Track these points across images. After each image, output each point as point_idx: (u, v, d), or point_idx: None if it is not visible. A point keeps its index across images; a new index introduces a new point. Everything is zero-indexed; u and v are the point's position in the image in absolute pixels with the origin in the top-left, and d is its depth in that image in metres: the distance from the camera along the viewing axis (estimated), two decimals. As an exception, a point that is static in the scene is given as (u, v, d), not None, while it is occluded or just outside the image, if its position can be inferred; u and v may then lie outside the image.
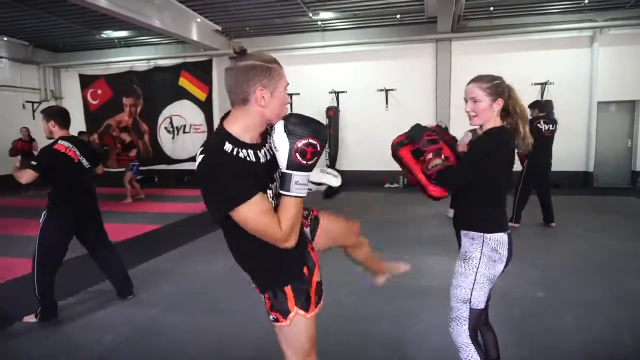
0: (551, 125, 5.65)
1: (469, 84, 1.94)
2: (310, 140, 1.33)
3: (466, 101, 1.94)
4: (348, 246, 2.03)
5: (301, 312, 1.57)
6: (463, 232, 1.93)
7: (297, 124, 1.34)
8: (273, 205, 1.41)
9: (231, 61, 1.39)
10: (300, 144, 1.32)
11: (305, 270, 1.62)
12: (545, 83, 9.05)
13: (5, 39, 10.72)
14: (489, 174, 1.85)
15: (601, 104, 9.16)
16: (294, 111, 1.68)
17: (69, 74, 12.41)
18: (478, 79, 1.92)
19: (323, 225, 1.84)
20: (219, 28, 9.99)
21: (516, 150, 1.95)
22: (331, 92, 10.33)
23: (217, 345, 2.76)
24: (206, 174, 1.33)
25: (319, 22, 9.73)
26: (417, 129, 2.05)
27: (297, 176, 1.35)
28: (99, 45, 11.53)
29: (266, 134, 1.48)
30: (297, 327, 1.57)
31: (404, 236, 5.51)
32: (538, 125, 5.59)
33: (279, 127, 1.35)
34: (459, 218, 2.01)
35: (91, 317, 3.30)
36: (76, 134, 8.22)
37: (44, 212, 3.22)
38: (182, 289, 3.85)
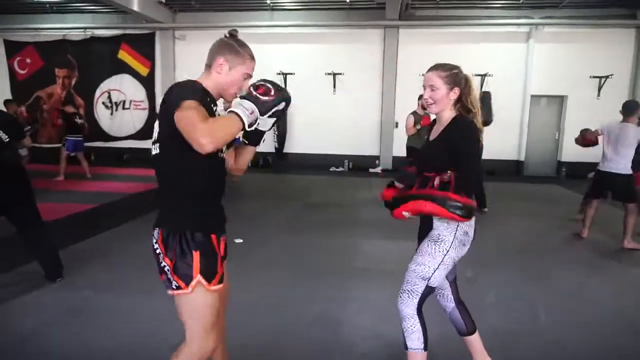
0: None
1: (428, 71, 1.96)
2: (265, 83, 1.56)
3: (424, 88, 1.96)
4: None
5: (204, 281, 1.55)
6: (437, 218, 1.91)
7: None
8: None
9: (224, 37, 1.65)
10: (257, 82, 1.57)
11: (220, 238, 1.66)
12: (485, 75, 9.49)
13: None
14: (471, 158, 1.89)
15: (534, 97, 9.75)
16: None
17: (-7, 39, 11.37)
18: (437, 67, 1.95)
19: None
20: (163, 0, 9.53)
21: None
22: (279, 74, 10.21)
23: (151, 326, 2.71)
24: (175, 87, 1.50)
25: (268, 1, 9.54)
26: (407, 177, 2.07)
27: (244, 102, 1.50)
28: (27, 9, 10.62)
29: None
30: (200, 297, 1.55)
31: (344, 219, 5.64)
32: None
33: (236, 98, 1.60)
34: None
35: (16, 299, 3.11)
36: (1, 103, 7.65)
37: None
38: (116, 271, 3.71)
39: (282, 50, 10.24)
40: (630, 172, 4.52)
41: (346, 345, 2.57)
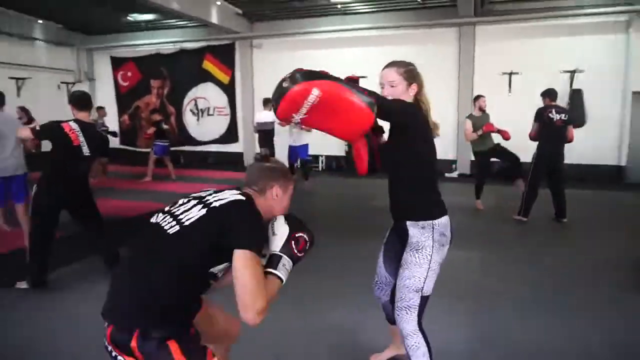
0: (563, 115, 5.36)
1: (384, 68, 2.00)
2: (305, 235, 1.57)
3: (382, 87, 1.97)
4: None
5: None
6: (410, 223, 1.92)
7: (296, 221, 1.61)
8: None
9: (257, 161, 1.72)
10: (297, 234, 1.56)
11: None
12: (574, 71, 8.56)
13: (40, 21, 11.21)
14: (418, 148, 1.91)
15: (636, 94, 8.57)
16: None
17: (101, 56, 12.87)
18: (393, 64, 1.98)
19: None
20: (240, 11, 10.04)
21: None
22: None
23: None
24: (249, 214, 1.48)
25: (339, 5, 9.58)
26: None
27: (285, 260, 1.51)
28: (127, 28, 11.86)
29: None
30: None
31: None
32: (549, 114, 5.33)
33: (281, 216, 1.62)
34: (400, 209, 2.01)
35: (82, 286, 3.50)
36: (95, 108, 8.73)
37: (35, 184, 3.44)
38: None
39: (353, 54, 10.20)
40: None
41: None
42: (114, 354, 1.41)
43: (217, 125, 11.90)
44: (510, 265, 4.07)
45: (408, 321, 1.91)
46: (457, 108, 9.56)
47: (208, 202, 1.50)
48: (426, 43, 9.65)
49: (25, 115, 9.57)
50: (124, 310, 1.42)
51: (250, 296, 1.32)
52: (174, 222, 1.47)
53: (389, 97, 1.91)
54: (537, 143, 5.50)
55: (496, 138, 6.12)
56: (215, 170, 10.47)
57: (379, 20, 9.88)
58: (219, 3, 9.28)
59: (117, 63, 12.71)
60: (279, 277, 1.48)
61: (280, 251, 1.52)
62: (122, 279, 1.49)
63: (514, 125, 6.21)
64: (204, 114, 12.09)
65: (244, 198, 1.51)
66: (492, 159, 6.29)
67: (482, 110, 6.01)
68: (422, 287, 1.90)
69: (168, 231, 1.45)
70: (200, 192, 1.64)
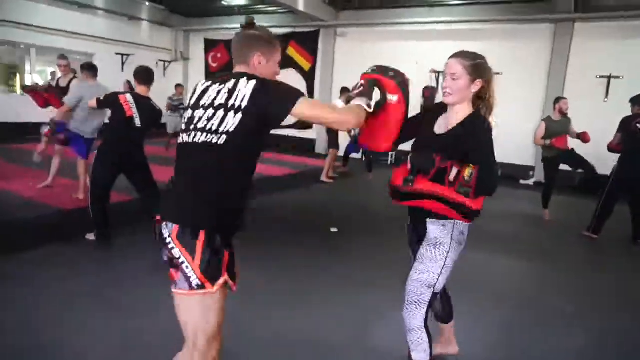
0: None
1: (450, 58, 1.84)
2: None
3: (444, 77, 1.85)
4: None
5: (230, 282, 1.56)
6: (430, 221, 1.88)
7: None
8: None
9: (241, 30, 1.70)
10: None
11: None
12: (688, 78, 7.58)
13: (147, 3, 12.25)
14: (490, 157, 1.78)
15: None
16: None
17: (197, 37, 13.76)
18: (460, 55, 1.82)
19: None
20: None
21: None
22: (432, 72, 9.93)
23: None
24: (273, 85, 1.55)
25: (427, -3, 9.35)
26: (424, 156, 1.76)
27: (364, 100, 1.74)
28: (221, 12, 12.53)
29: None
30: (220, 298, 1.54)
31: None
32: (637, 125, 4.77)
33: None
34: (422, 209, 1.90)
35: (140, 244, 3.86)
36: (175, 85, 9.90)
37: (96, 150, 3.89)
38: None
39: (437, 47, 9.87)
40: None
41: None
42: (170, 245, 1.50)
43: (295, 111, 12.20)
44: (571, 283, 3.79)
45: (415, 316, 1.88)
46: (542, 110, 8.93)
47: (235, 105, 1.49)
48: (516, 39, 9.11)
49: (129, 88, 10.63)
50: (188, 211, 1.53)
51: (332, 114, 1.61)
52: (216, 134, 1.49)
53: (448, 90, 1.81)
54: (618, 156, 4.99)
55: (572, 142, 5.61)
56: (289, 155, 10.82)
57: (469, 13, 9.48)
58: (306, -10, 9.49)
59: (210, 45, 13.50)
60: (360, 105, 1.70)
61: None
62: (185, 187, 1.57)
63: (607, 137, 5.38)
64: (283, 99, 12.46)
65: (253, 81, 1.51)
66: (563, 165, 5.75)
67: (562, 113, 5.44)
68: (435, 284, 1.86)
69: (218, 142, 1.49)
70: (201, 93, 1.62)
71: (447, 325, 2.26)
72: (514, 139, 9.27)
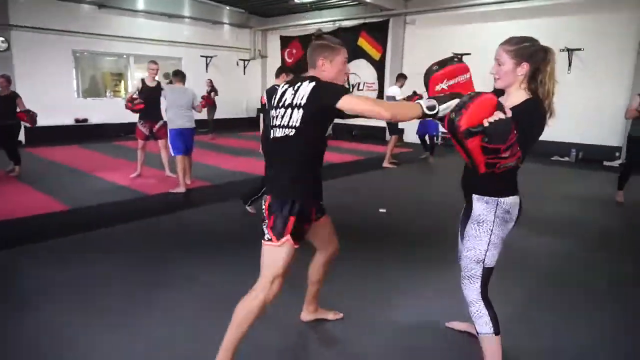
0: None
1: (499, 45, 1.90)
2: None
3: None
4: (322, 257, 2.37)
5: (292, 240, 1.95)
6: (476, 197, 1.92)
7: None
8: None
9: (313, 40, 2.08)
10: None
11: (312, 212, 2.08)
12: None
13: (227, 8, 13.21)
14: (523, 146, 1.70)
15: None
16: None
17: (273, 35, 14.53)
18: (507, 41, 1.85)
19: (323, 221, 2.24)
20: (394, -11, 10.27)
21: None
22: (505, 53, 9.59)
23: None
24: (324, 85, 1.90)
25: (497, -24, 9.07)
26: (505, 124, 1.61)
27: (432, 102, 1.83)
28: (295, 9, 13.12)
29: None
30: (283, 251, 1.96)
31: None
32: None
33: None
34: (471, 183, 1.97)
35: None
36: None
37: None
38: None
39: (511, 26, 9.54)
40: None
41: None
42: (263, 210, 2.02)
43: (366, 100, 12.44)
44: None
45: (471, 289, 1.96)
46: (630, 88, 8.28)
47: (298, 103, 1.90)
48: (600, 11, 8.52)
49: (211, 86, 11.64)
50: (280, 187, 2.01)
51: (371, 106, 1.76)
52: (288, 128, 1.92)
53: (495, 76, 1.88)
54: None
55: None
56: (360, 143, 11.12)
57: (544, -12, 9.04)
58: (373, -19, 9.67)
59: (285, 42, 14.19)
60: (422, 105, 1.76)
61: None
62: (274, 171, 2.05)
63: None
64: (355, 89, 12.76)
65: (313, 82, 1.88)
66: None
67: None
68: (484, 259, 1.92)
69: (289, 134, 1.93)
70: (280, 95, 1.99)
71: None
72: (601, 118, 8.75)
